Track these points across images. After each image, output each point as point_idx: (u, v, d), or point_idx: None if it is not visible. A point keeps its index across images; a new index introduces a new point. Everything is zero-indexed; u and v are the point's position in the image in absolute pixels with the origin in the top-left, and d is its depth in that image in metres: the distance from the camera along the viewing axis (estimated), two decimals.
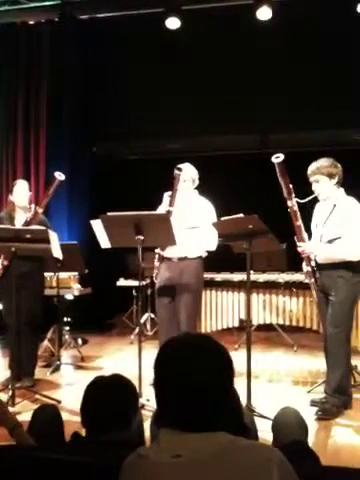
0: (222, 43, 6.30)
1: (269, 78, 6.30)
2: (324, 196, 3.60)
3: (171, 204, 3.97)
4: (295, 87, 6.21)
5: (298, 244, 3.60)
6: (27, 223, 4.23)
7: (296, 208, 3.53)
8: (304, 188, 3.59)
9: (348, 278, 3.48)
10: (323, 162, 3.58)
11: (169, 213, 3.91)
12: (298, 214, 3.55)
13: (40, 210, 4.32)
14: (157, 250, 4.12)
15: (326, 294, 3.59)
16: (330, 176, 3.54)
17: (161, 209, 4.08)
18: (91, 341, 6.23)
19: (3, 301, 4.50)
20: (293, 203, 3.51)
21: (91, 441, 1.62)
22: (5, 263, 4.23)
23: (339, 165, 3.59)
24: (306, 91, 6.22)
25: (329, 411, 3.48)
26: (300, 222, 3.57)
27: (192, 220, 4.05)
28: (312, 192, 3.60)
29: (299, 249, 3.60)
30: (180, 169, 3.99)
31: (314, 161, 3.62)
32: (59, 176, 4.31)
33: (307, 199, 3.54)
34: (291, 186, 3.50)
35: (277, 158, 3.42)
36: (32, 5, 6.72)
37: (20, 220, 4.33)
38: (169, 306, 4.13)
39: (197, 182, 4.20)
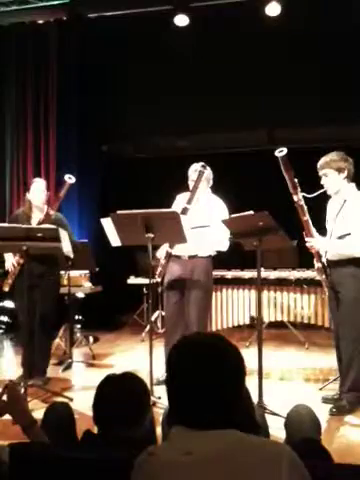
0: (227, 41, 6.28)
1: (274, 75, 6.26)
2: (332, 190, 3.57)
3: (189, 201, 3.96)
4: (300, 84, 6.17)
5: (306, 240, 3.57)
6: (40, 224, 4.23)
7: (303, 203, 3.49)
8: (314, 185, 3.57)
9: (358, 275, 3.44)
10: (333, 156, 3.55)
11: (185, 210, 3.90)
12: (305, 209, 3.52)
13: (51, 212, 4.33)
14: (165, 247, 4.07)
15: (336, 291, 3.57)
16: (339, 170, 3.51)
17: (178, 206, 4.05)
18: (102, 339, 6.25)
19: (17, 300, 4.53)
20: (299, 197, 3.48)
21: (103, 439, 1.63)
22: (21, 262, 4.25)
23: (350, 159, 3.55)
24: (310, 88, 6.18)
25: (343, 408, 3.47)
26: (308, 217, 3.54)
27: (204, 219, 4.04)
28: (322, 188, 3.58)
29: (307, 245, 3.58)
30: (205, 167, 3.99)
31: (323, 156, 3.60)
32: (69, 179, 4.32)
33: (315, 194, 3.50)
34: (296, 180, 3.47)
35: (280, 152, 3.39)
36: (40, 4, 6.73)
37: (36, 219, 4.33)
38: (177, 304, 4.11)
39: (211, 183, 4.21)
